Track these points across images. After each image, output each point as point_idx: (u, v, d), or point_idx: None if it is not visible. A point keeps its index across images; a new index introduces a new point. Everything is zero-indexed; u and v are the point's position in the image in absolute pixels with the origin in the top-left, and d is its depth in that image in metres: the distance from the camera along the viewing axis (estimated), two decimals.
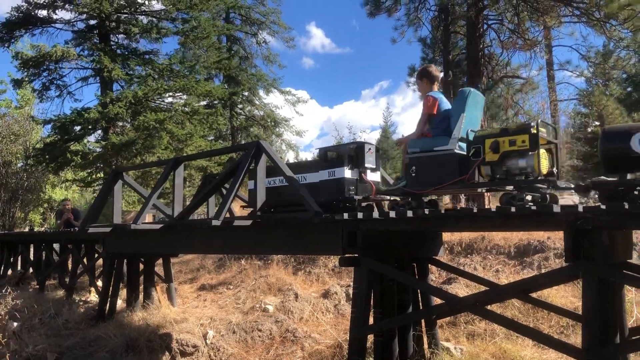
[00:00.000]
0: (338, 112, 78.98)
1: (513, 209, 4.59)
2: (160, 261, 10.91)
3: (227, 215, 7.35)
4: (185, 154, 20.11)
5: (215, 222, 6.51)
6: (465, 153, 5.35)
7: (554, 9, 14.24)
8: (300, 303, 9.88)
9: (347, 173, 6.18)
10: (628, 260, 5.19)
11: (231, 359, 8.53)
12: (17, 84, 24.31)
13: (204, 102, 26.06)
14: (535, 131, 4.85)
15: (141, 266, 10.30)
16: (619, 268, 4.86)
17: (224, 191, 8.01)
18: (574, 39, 17.03)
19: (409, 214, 5.28)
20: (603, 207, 4.18)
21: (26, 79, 23.01)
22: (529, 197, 4.87)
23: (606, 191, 4.42)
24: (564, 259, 4.63)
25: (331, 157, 6.33)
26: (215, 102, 27.82)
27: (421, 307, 6.48)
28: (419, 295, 6.55)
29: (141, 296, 10.03)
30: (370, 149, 6.43)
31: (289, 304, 9.83)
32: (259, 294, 10.41)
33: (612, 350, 4.55)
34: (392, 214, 5.43)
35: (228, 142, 29.13)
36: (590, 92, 20.00)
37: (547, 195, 4.81)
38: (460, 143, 5.44)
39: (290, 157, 34.24)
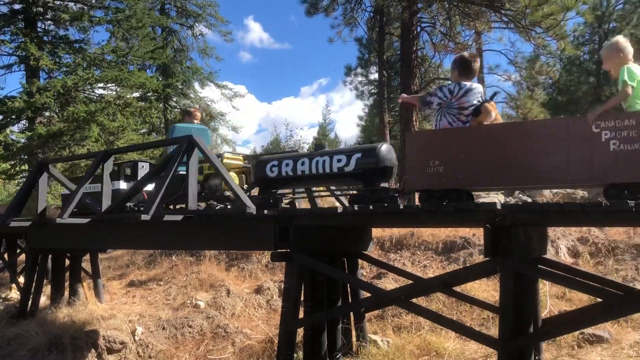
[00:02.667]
0: (277, 108, 78.84)
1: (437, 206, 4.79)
2: (88, 257, 10.57)
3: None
4: (116, 147, 19.55)
5: (144, 217, 6.40)
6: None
7: (483, 14, 14.82)
8: (232, 299, 9.85)
9: (123, 185, 8.69)
10: (543, 256, 5.52)
11: (160, 355, 8.41)
12: None
13: (137, 94, 25.40)
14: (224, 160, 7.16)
15: (67, 262, 9.96)
16: (534, 263, 5.18)
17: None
18: (503, 44, 17.83)
19: (340, 209, 5.41)
20: (519, 204, 4.44)
21: None
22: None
23: (356, 196, 5.65)
24: (484, 254, 4.88)
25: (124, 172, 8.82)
26: (148, 94, 27.18)
27: (350, 301, 6.64)
28: (349, 290, 6.72)
29: (67, 293, 9.70)
30: (143, 166, 8.75)
31: (221, 299, 9.78)
32: (190, 290, 10.31)
33: (526, 340, 4.84)
34: (324, 209, 5.53)
35: (162, 135, 28.46)
36: (517, 96, 20.93)
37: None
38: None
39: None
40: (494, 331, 6.87)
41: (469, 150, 4.60)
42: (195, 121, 8.10)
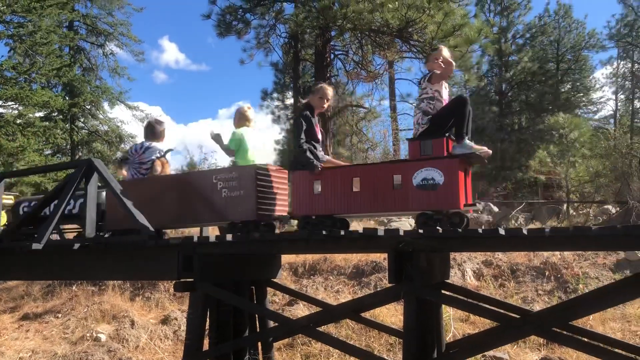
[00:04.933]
0: (194, 130, 77.16)
1: (342, 232, 4.78)
2: None
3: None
4: (16, 169, 18.36)
5: (36, 246, 5.96)
6: None
7: (394, 44, 15.34)
8: (137, 330, 9.37)
9: None
10: (446, 280, 5.64)
11: None
12: None
13: (41, 114, 24.11)
14: None
15: None
16: (437, 288, 5.27)
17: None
18: (413, 73, 18.51)
19: (248, 237, 5.27)
20: (420, 231, 4.51)
21: None
22: None
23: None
24: (388, 280, 4.91)
25: None
26: (54, 114, 25.86)
27: (258, 330, 6.47)
28: (257, 319, 6.55)
29: None
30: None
31: (124, 331, 9.27)
32: (91, 322, 9.70)
33: None
34: (229, 237, 5.37)
35: (67, 157, 27.12)
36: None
37: None
38: None
39: None
40: (400, 356, 6.93)
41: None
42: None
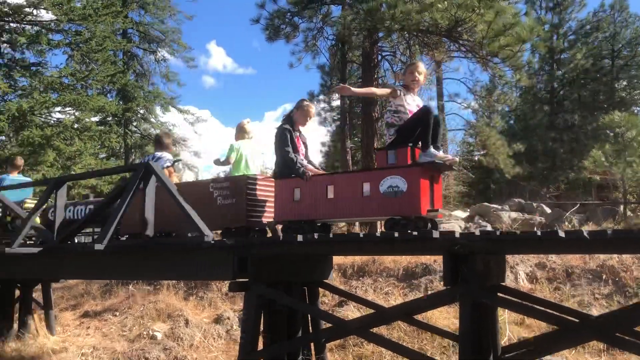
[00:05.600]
0: None
1: (396, 234, 4.78)
2: (39, 286, 10.15)
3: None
4: (73, 172, 19.08)
5: (98, 247, 6.19)
6: None
7: (442, 44, 15.17)
8: (191, 329, 9.60)
9: None
10: (502, 283, 5.56)
11: None
12: None
13: (97, 119, 24.96)
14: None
15: (17, 292, 9.55)
16: (492, 291, 5.20)
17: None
18: (462, 73, 18.28)
19: (299, 238, 5.34)
20: (477, 233, 4.47)
21: None
22: None
23: None
24: (443, 282, 4.88)
25: None
26: (108, 118, 26.75)
27: (311, 331, 6.53)
28: (309, 319, 6.62)
29: (16, 325, 9.27)
30: None
31: (179, 330, 9.51)
32: (147, 321, 10.00)
33: None
34: (282, 238, 5.46)
35: (121, 160, 27.99)
36: (476, 124, 21.42)
37: None
38: None
39: (190, 177, 33.51)
40: (454, 359, 6.87)
41: None
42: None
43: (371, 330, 5.57)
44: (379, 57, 16.13)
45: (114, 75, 23.41)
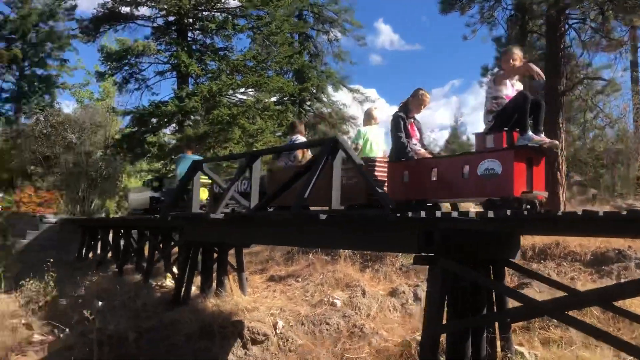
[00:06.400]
0: None
1: (601, 213, 4.47)
2: (232, 251, 11.21)
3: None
4: (255, 149, 20.58)
5: (288, 215, 6.67)
6: None
7: None
8: (368, 300, 9.93)
9: None
10: None
11: (300, 350, 8.71)
12: (100, 76, 25.59)
13: (274, 98, 26.53)
14: None
15: (215, 255, 10.65)
16: None
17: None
18: None
19: (490, 214, 5.24)
20: None
21: (109, 72, 24.18)
22: None
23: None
24: None
25: None
26: (284, 98, 28.28)
27: (495, 310, 6.40)
28: (494, 298, 6.48)
29: (214, 284, 10.37)
30: None
31: (357, 299, 9.90)
32: (327, 288, 10.55)
33: None
34: (472, 213, 5.40)
35: None
36: None
37: None
38: None
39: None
40: None
41: None
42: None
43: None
44: (566, 25, 14.91)
45: (291, 57, 24.68)
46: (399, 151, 6.34)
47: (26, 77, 30.12)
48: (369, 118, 7.98)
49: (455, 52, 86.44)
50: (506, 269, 6.79)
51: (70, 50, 30.63)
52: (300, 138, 9.11)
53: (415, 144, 6.53)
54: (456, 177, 5.63)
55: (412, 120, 6.68)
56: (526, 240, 10.92)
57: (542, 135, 5.50)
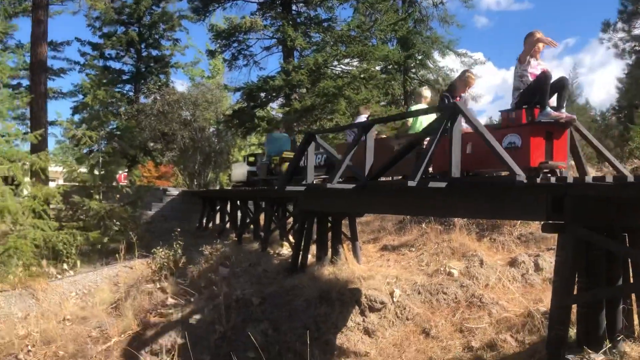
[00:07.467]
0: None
1: None
2: (345, 221, 11.37)
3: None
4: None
5: (411, 183, 6.62)
6: None
7: None
8: (486, 270, 9.71)
9: None
10: None
11: (417, 318, 8.74)
12: (211, 54, 26.59)
13: (379, 67, 26.21)
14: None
15: (328, 224, 10.86)
16: None
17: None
18: None
19: (629, 179, 4.90)
20: None
21: (218, 49, 25.04)
22: None
23: None
24: None
25: None
26: (389, 66, 27.86)
27: (632, 281, 6.02)
28: (630, 267, 6.09)
29: (329, 252, 10.61)
30: None
31: (474, 269, 9.71)
32: (442, 258, 10.43)
33: None
34: (608, 178, 5.08)
35: (401, 107, 29.07)
36: None
37: None
38: None
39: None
40: None
41: None
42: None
43: None
44: None
45: (395, 24, 24.18)
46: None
47: (143, 59, 31.90)
48: (419, 97, 8.86)
49: (568, 9, 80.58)
50: None
51: (182, 30, 31.87)
52: (361, 116, 10.75)
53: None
54: (484, 150, 6.12)
55: (458, 99, 7.29)
56: None
57: (563, 111, 6.05)
